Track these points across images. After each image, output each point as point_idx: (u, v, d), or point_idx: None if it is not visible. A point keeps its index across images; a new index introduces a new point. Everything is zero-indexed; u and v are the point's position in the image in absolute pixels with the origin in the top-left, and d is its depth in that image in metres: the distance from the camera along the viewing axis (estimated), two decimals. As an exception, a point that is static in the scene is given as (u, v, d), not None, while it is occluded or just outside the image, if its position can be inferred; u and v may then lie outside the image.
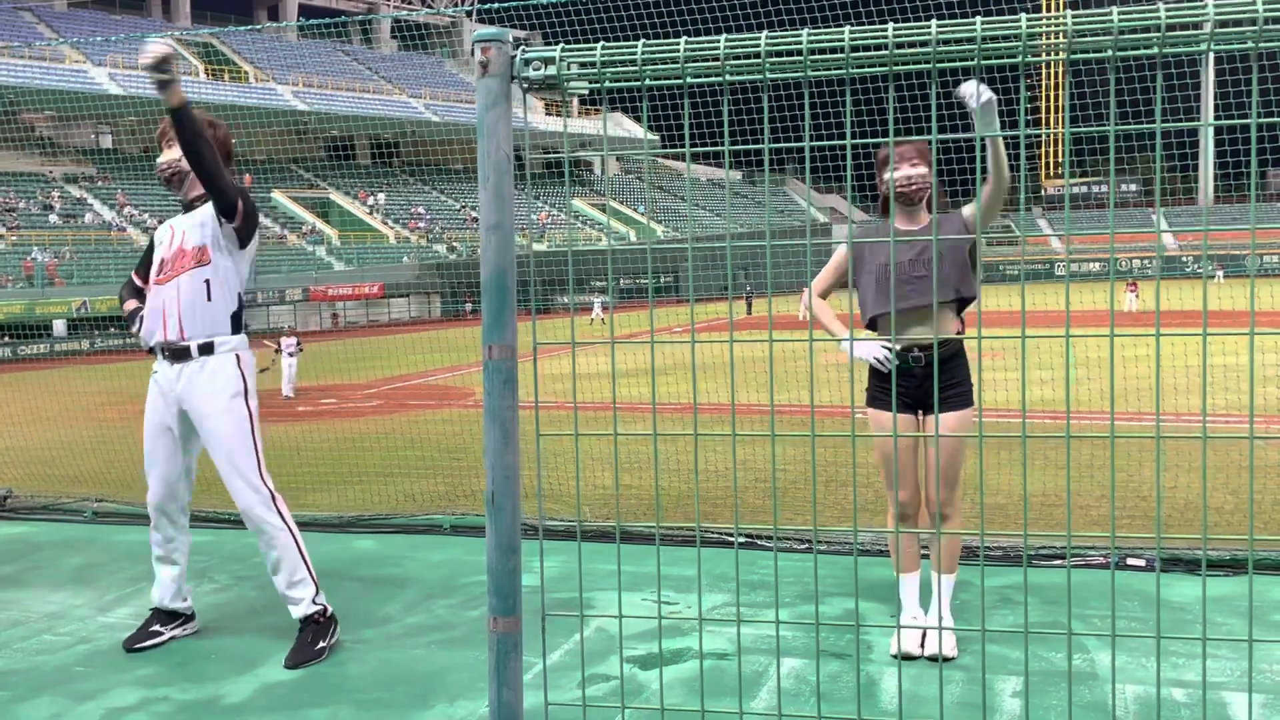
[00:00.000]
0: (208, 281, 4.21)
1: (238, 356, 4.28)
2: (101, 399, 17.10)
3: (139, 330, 4.40)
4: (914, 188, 3.96)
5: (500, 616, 2.19)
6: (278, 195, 51.54)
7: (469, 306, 40.95)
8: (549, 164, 56.73)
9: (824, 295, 4.31)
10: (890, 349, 3.98)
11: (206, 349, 4.22)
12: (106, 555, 5.90)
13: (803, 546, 5.55)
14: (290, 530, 4.26)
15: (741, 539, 5.68)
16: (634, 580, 5.05)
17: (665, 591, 4.92)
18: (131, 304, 4.52)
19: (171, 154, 4.32)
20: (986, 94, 3.52)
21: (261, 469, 4.25)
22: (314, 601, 4.27)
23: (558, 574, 5.25)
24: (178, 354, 4.23)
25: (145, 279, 4.50)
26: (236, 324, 4.30)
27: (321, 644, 4.22)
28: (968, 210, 4.05)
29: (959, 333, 4.10)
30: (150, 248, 4.49)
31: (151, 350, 4.34)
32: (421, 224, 53.45)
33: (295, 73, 57.84)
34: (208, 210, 4.28)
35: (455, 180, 58.70)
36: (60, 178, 47.75)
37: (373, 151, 59.37)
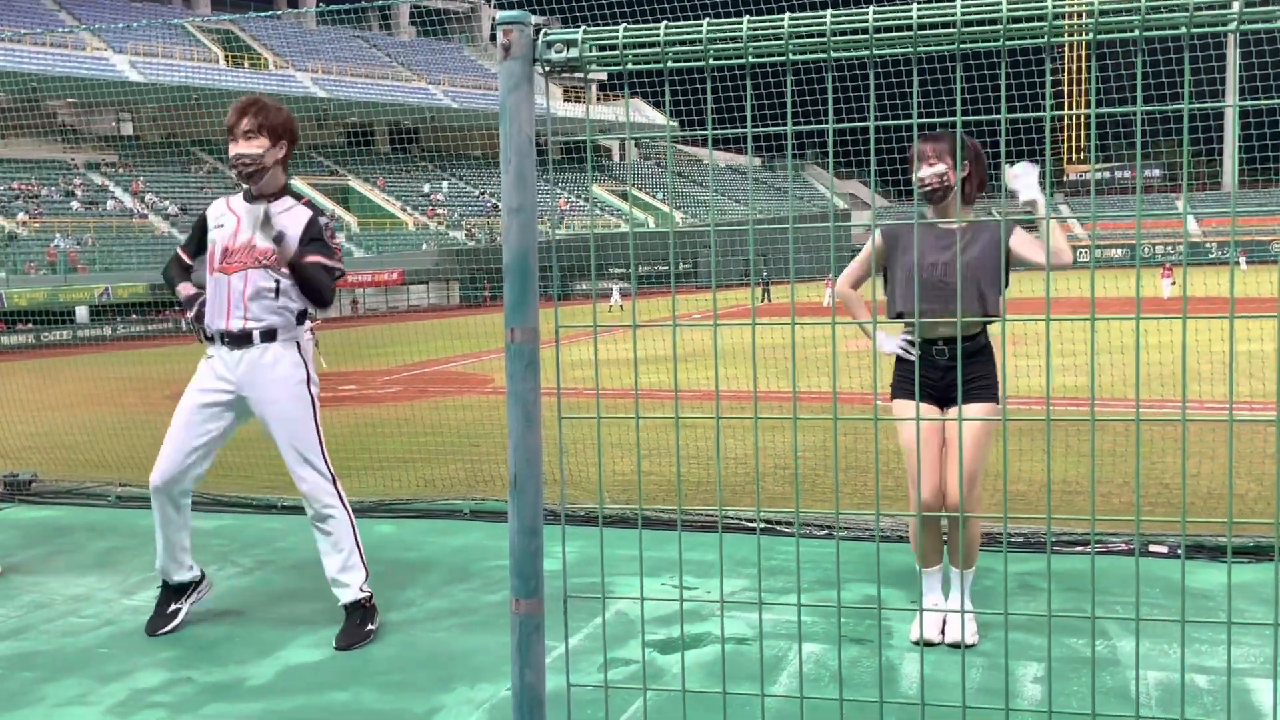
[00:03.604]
0: (278, 281, 4.19)
1: (298, 344, 4.29)
2: (124, 385, 17.22)
3: (194, 316, 4.33)
4: (931, 188, 3.94)
5: (522, 598, 2.19)
6: (297, 182, 51.72)
7: (487, 293, 41.03)
8: (568, 150, 56.69)
9: (854, 287, 4.30)
10: (913, 342, 3.96)
11: (269, 335, 4.21)
12: (130, 538, 5.95)
13: (823, 532, 5.54)
14: (349, 514, 4.30)
15: (762, 524, 5.68)
16: (654, 565, 5.06)
17: (685, 577, 4.93)
18: (188, 289, 4.42)
19: (253, 148, 4.18)
20: (1030, 193, 3.76)
21: (325, 454, 4.28)
22: (361, 588, 4.29)
23: (578, 559, 5.27)
24: (239, 340, 4.21)
25: (192, 255, 4.45)
26: (301, 318, 4.32)
27: (370, 626, 4.26)
28: (1015, 240, 3.99)
29: (984, 327, 4.08)
30: (201, 225, 4.40)
31: (209, 338, 4.30)
32: (441, 210, 53.54)
33: (314, 60, 57.93)
34: (292, 226, 4.18)
35: (474, 167, 58.73)
36: (82, 165, 48.02)
37: (391, 138, 59.42)
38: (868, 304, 4.30)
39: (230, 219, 4.30)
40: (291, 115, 4.31)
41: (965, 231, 3.97)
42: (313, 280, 4.15)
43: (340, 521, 4.26)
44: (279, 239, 4.04)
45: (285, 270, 4.18)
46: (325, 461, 4.27)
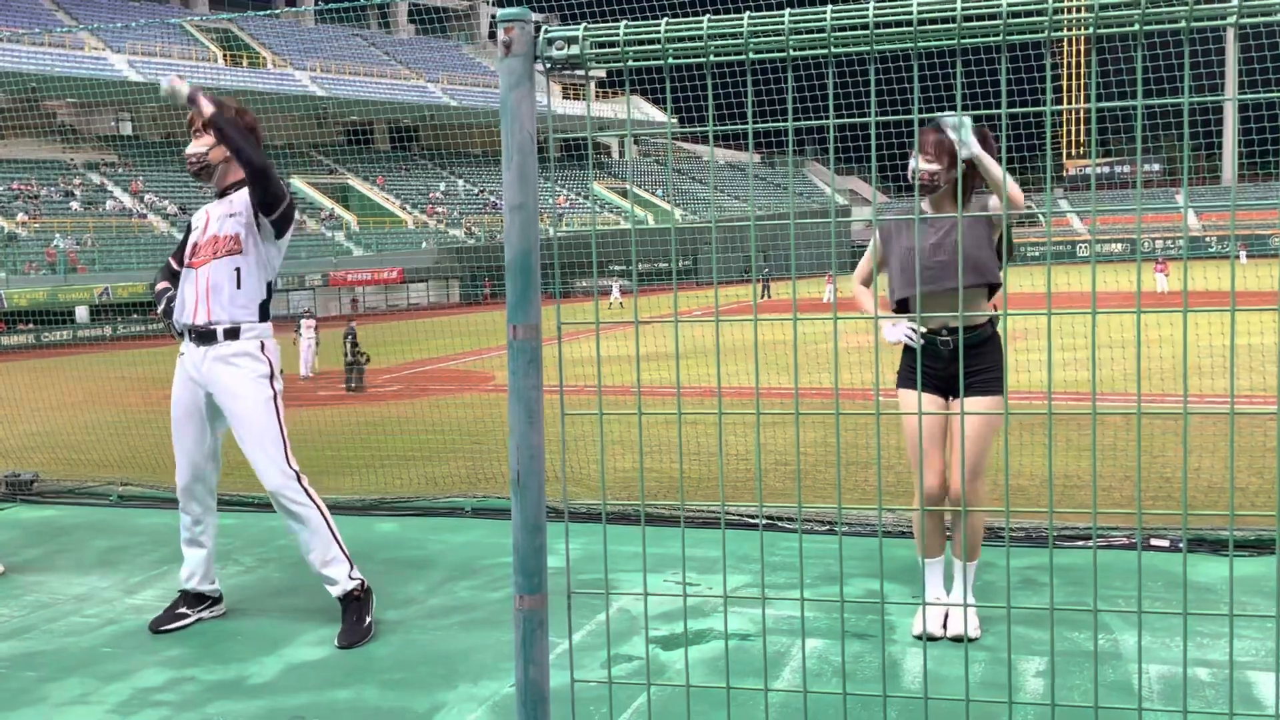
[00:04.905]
0: (239, 270, 4.25)
1: (262, 343, 4.32)
2: (125, 384, 17.22)
3: (163, 310, 4.43)
4: (921, 182, 3.97)
5: (526, 595, 2.20)
6: (296, 181, 51.70)
7: (488, 290, 41.03)
8: (567, 148, 56.67)
9: (866, 283, 4.34)
10: (917, 330, 3.97)
11: (232, 333, 4.25)
12: (132, 538, 5.95)
13: (825, 528, 5.54)
14: (319, 508, 4.29)
15: (764, 520, 5.68)
16: (657, 562, 5.06)
17: (688, 573, 4.93)
18: (161, 285, 4.55)
19: (199, 146, 4.32)
20: (968, 149, 3.67)
21: (288, 450, 4.28)
22: (350, 577, 4.30)
23: (580, 556, 5.27)
24: (204, 337, 4.27)
25: (181, 262, 4.52)
26: (264, 313, 4.35)
27: (368, 620, 4.27)
28: (993, 201, 4.02)
29: (988, 317, 4.08)
30: (187, 232, 4.51)
31: (180, 334, 4.37)
32: (440, 208, 53.52)
33: (313, 58, 57.87)
34: (242, 199, 4.30)
35: (474, 165, 58.69)
36: (81, 165, 48.00)
37: (391, 137, 59.41)
38: (881, 300, 4.41)
39: (203, 218, 4.43)
40: (246, 116, 4.34)
41: (948, 218, 4.00)
42: (231, 136, 4.16)
43: (311, 517, 4.26)
44: (191, 99, 4.16)
45: (242, 258, 4.26)
46: (288, 458, 4.27)
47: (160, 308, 4.47)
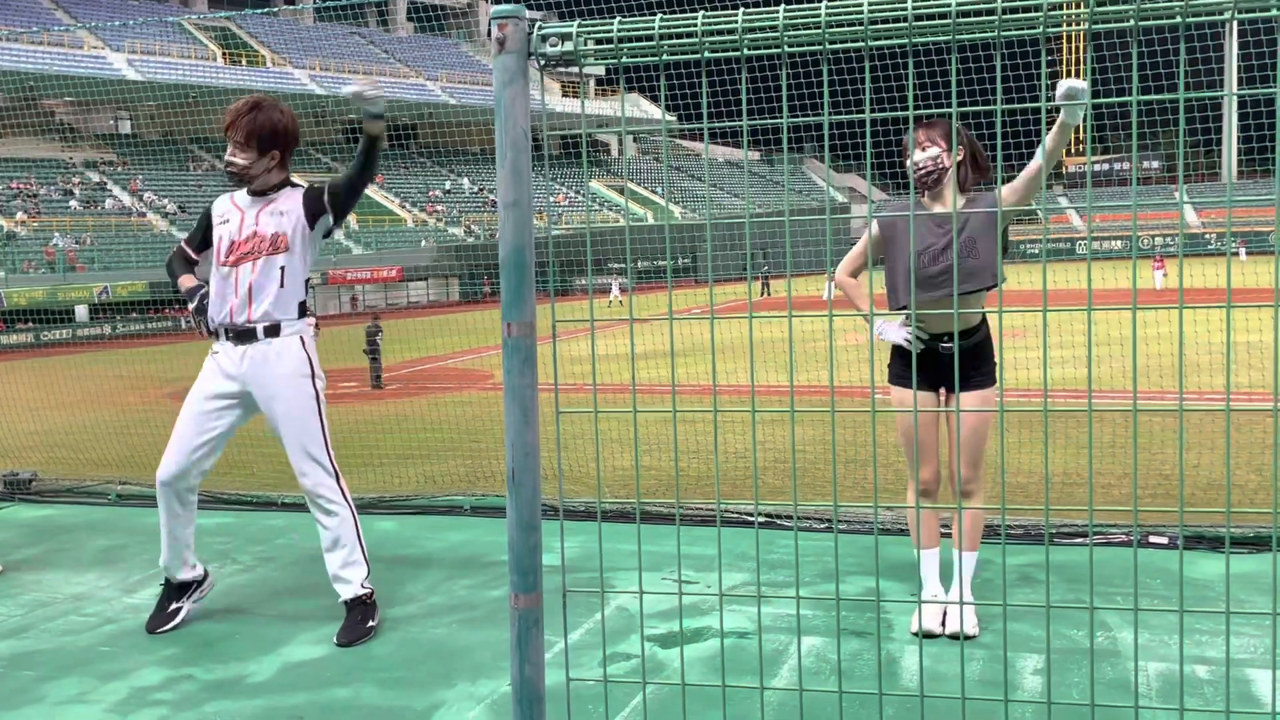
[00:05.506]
0: (283, 269, 4.23)
1: (301, 338, 4.30)
2: (124, 384, 17.21)
3: (195, 308, 4.35)
4: (922, 171, 3.94)
5: (521, 593, 2.20)
6: (296, 179, 51.60)
7: (487, 289, 41.06)
8: (565, 145, 56.66)
9: (854, 274, 4.29)
10: (917, 335, 3.93)
11: (273, 331, 4.23)
12: (130, 537, 5.95)
13: (822, 526, 5.54)
14: (352, 510, 4.30)
15: (761, 518, 5.68)
16: (654, 560, 5.06)
17: (685, 571, 4.93)
18: (190, 280, 4.44)
19: (243, 159, 4.24)
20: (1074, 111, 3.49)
21: (329, 448, 4.28)
22: (363, 584, 4.30)
23: (577, 555, 5.27)
24: (243, 335, 4.23)
25: (197, 250, 4.48)
26: (302, 310, 4.33)
27: (371, 623, 4.26)
28: (1006, 191, 3.97)
29: (984, 318, 4.07)
30: (206, 220, 4.43)
31: (214, 332, 4.32)
32: (440, 206, 53.48)
33: (311, 56, 57.84)
34: (291, 202, 4.29)
35: (472, 163, 58.66)
36: (80, 163, 47.97)
37: (390, 134, 59.34)
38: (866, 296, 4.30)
39: (235, 214, 4.34)
40: (285, 121, 4.30)
41: (960, 216, 3.94)
42: (376, 159, 4.27)
43: (343, 518, 4.27)
44: (378, 116, 4.17)
45: (287, 256, 4.26)
46: (329, 457, 4.27)
47: (193, 305, 4.37)
